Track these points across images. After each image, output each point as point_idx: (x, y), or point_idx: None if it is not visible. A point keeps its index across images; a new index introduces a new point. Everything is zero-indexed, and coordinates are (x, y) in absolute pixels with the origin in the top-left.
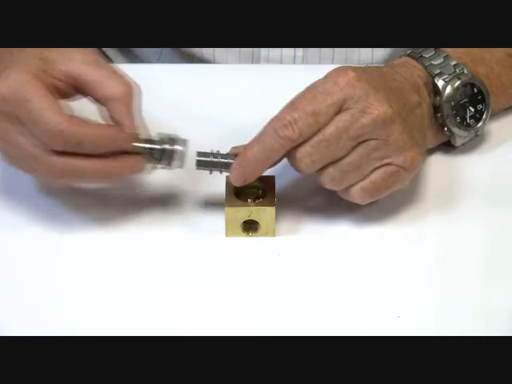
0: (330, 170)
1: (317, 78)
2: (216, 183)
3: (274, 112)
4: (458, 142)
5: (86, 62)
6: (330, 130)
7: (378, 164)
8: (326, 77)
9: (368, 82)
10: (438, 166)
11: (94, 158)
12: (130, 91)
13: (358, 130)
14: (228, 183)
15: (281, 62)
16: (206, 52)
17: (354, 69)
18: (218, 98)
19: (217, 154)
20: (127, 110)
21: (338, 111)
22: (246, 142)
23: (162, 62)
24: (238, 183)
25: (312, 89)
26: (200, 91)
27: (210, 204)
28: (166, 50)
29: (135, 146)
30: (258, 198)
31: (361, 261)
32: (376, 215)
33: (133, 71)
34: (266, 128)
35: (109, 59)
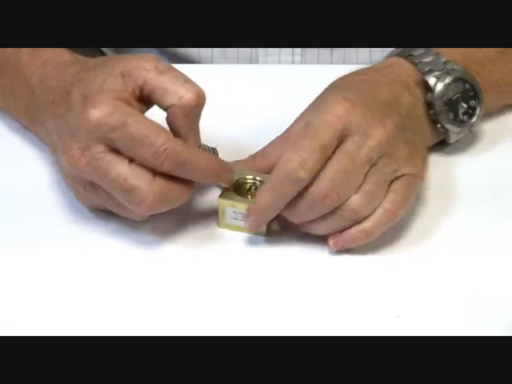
0: (354, 199)
1: (315, 78)
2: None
3: (273, 112)
4: (452, 139)
5: (151, 69)
6: (342, 158)
7: (392, 178)
8: (320, 111)
9: (362, 104)
10: (433, 165)
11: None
12: (195, 98)
13: (368, 154)
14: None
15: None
16: (204, 59)
17: (344, 95)
18: (215, 98)
19: None
20: (189, 120)
21: (341, 141)
22: (244, 141)
23: None
24: (253, 230)
25: (310, 124)
26: None
27: (206, 205)
28: (163, 55)
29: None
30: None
31: (360, 260)
32: None
33: None
34: (275, 174)
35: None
